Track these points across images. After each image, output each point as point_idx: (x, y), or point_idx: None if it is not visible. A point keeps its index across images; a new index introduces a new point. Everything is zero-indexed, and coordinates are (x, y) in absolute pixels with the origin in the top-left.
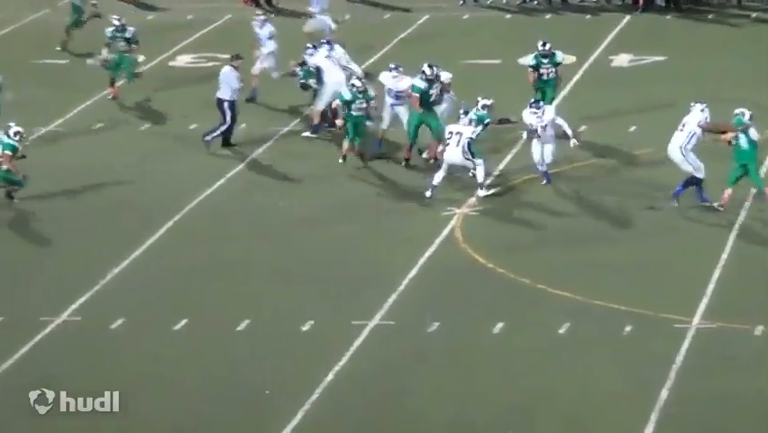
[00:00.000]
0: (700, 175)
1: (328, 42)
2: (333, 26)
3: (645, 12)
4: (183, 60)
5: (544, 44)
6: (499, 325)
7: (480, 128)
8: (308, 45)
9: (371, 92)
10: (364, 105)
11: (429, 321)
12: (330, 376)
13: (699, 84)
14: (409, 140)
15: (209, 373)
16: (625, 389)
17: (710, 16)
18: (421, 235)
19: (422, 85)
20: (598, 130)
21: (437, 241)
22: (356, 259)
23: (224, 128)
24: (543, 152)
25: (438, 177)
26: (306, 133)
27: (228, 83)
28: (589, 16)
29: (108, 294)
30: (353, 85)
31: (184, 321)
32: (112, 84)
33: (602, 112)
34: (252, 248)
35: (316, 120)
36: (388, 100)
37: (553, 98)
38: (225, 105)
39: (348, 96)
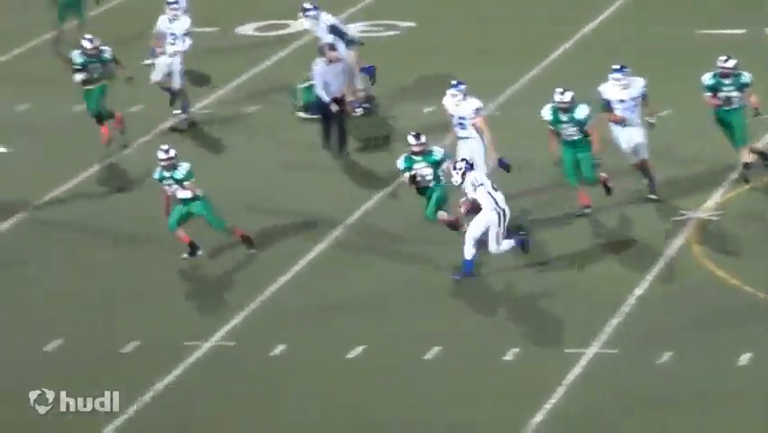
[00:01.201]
0: None
1: (315, 7)
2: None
3: None
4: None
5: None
6: (746, 355)
7: None
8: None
9: (437, 151)
10: (429, 170)
11: (658, 349)
12: (538, 417)
13: None
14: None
15: (384, 412)
16: None
17: None
18: (648, 245)
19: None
20: None
21: (668, 252)
22: (567, 274)
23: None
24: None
25: None
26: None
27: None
28: None
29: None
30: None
31: (360, 348)
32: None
33: None
34: (436, 258)
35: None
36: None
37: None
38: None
39: (402, 164)
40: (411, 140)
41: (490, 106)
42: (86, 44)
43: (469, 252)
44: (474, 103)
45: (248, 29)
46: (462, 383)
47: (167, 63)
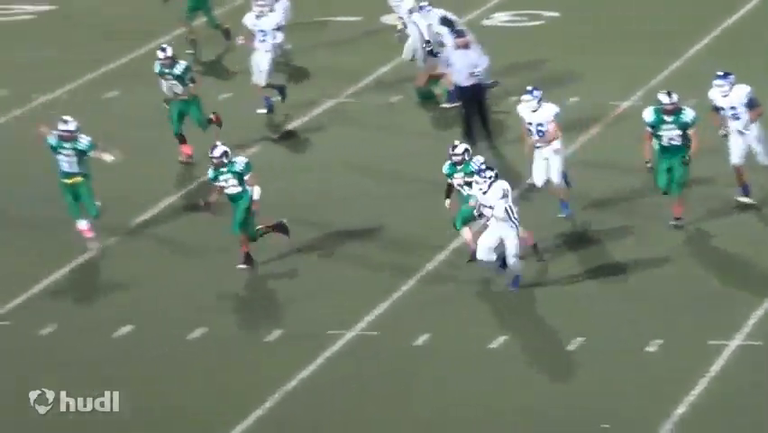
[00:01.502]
0: None
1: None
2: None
3: None
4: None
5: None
6: None
7: None
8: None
9: (476, 161)
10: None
11: None
12: (681, 408)
13: None
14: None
15: (525, 400)
16: None
17: None
18: None
19: None
20: None
21: None
22: (710, 267)
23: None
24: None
25: None
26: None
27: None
28: None
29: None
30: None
31: (502, 338)
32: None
33: None
34: (571, 251)
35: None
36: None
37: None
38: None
39: (446, 170)
40: (449, 150)
41: (635, 97)
42: (160, 53)
43: (485, 253)
44: (552, 108)
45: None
46: (605, 374)
47: (258, 62)
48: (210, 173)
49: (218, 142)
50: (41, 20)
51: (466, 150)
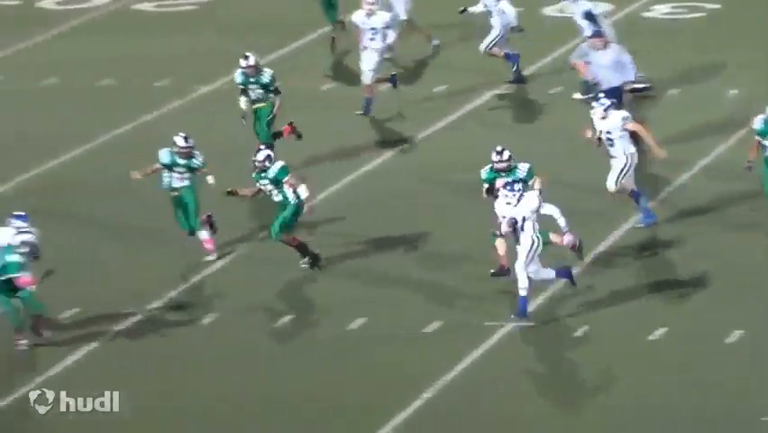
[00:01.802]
0: None
1: None
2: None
3: None
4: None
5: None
6: None
7: None
8: None
9: (522, 168)
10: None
11: None
12: None
13: None
14: None
15: (681, 393)
16: None
17: None
18: None
19: None
20: None
21: None
22: None
23: None
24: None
25: None
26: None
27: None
28: None
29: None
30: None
31: (662, 330)
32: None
33: None
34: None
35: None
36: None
37: None
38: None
39: (485, 174)
40: (493, 156)
41: None
42: (242, 62)
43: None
44: (618, 114)
45: (552, 10)
46: (765, 366)
47: (367, 60)
48: (254, 175)
49: (262, 146)
50: (203, 10)
51: (511, 156)
